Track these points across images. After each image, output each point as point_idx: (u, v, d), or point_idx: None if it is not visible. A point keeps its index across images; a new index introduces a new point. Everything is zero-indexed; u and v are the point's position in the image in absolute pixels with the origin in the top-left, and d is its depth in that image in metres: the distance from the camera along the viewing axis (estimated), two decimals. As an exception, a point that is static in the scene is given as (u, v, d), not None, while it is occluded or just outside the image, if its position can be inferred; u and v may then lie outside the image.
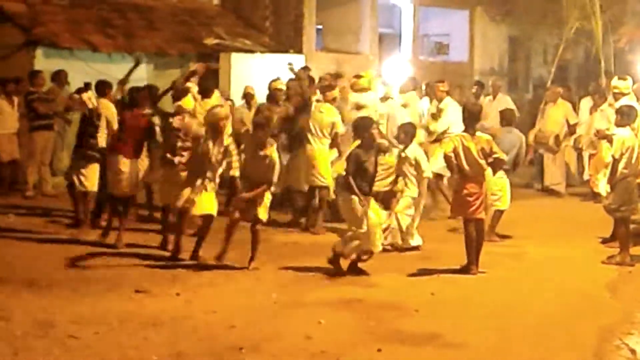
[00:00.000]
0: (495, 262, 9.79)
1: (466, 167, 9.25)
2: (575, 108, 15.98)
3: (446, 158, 9.40)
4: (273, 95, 12.47)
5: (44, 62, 14.33)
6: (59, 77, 13.60)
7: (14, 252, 9.68)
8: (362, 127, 9.40)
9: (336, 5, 19.37)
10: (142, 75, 15.58)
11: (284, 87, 12.56)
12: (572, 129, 15.37)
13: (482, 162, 9.28)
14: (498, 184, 10.92)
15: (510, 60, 22.80)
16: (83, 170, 10.75)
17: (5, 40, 14.65)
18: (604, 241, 11.02)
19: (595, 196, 13.22)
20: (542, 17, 19.80)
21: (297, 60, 16.62)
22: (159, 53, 15.98)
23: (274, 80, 12.68)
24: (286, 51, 17.43)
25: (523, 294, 8.63)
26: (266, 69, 15.77)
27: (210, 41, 16.77)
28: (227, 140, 9.49)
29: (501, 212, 11.20)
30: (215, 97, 11.11)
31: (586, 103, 15.54)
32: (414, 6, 20.52)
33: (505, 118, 11.95)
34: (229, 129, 9.80)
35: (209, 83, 11.20)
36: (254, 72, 15.81)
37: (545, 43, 21.23)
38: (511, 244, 11.03)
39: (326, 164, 11.57)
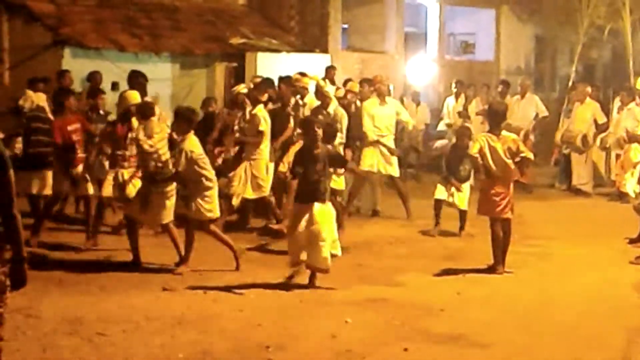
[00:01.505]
0: (521, 262, 9.76)
1: (493, 167, 9.20)
2: (604, 107, 15.89)
3: (472, 158, 9.36)
4: (234, 100, 12.03)
5: (72, 62, 14.43)
6: (95, 78, 13.63)
7: (42, 250, 9.76)
8: (309, 126, 8.83)
9: (362, 5, 19.36)
10: (168, 75, 15.71)
11: (246, 91, 12.05)
12: (600, 129, 15.28)
13: (509, 161, 9.23)
14: None
15: (536, 59, 22.69)
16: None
17: (33, 40, 14.76)
18: (632, 241, 10.95)
19: (622, 196, 13.14)
20: (568, 16, 19.69)
21: (323, 60, 16.67)
22: (185, 53, 16.05)
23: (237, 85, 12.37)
24: (312, 50, 17.45)
25: (549, 294, 8.59)
26: (292, 68, 15.79)
27: (236, 41, 16.81)
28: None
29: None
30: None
31: (618, 103, 15.46)
32: (440, 5, 20.47)
33: None
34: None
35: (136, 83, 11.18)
36: (280, 72, 15.82)
37: (571, 42, 21.09)
38: (538, 244, 10.98)
39: None
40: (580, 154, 15.37)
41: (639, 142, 10.40)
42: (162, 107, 10.78)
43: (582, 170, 15.46)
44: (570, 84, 17.61)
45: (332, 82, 14.60)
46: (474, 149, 9.30)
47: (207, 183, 9.08)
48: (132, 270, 9.09)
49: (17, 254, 4.72)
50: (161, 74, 15.38)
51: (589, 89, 15.74)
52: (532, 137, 15.79)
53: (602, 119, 15.37)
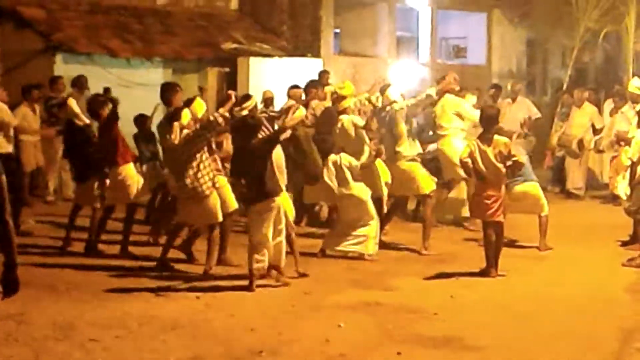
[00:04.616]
0: (514, 265, 9.76)
1: (484, 170, 9.20)
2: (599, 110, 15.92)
3: (463, 163, 9.37)
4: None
5: (64, 68, 14.43)
6: (79, 82, 13.66)
7: (34, 256, 9.73)
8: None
9: (354, 9, 19.38)
10: (160, 80, 15.67)
11: None
12: (597, 133, 15.28)
13: (500, 165, 9.23)
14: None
15: (528, 62, 22.74)
16: None
17: (24, 46, 14.76)
18: (624, 244, 10.97)
19: (615, 199, 13.16)
20: (559, 19, 19.74)
21: (315, 64, 16.68)
22: (177, 58, 16.05)
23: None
24: (304, 55, 17.47)
25: (542, 297, 8.59)
26: (284, 73, 15.81)
27: (228, 46, 16.83)
28: None
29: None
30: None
31: (609, 105, 15.48)
32: (432, 9, 20.51)
33: None
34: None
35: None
36: (272, 76, 15.85)
37: (563, 45, 21.15)
38: (531, 246, 10.99)
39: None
40: (576, 158, 15.38)
41: (627, 142, 10.39)
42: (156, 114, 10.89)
43: (576, 174, 15.47)
44: (565, 87, 17.62)
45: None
46: (464, 153, 9.32)
47: None
48: (124, 275, 9.09)
49: (9, 260, 4.70)
50: (153, 79, 15.35)
51: (586, 94, 15.72)
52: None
53: (600, 124, 15.36)
